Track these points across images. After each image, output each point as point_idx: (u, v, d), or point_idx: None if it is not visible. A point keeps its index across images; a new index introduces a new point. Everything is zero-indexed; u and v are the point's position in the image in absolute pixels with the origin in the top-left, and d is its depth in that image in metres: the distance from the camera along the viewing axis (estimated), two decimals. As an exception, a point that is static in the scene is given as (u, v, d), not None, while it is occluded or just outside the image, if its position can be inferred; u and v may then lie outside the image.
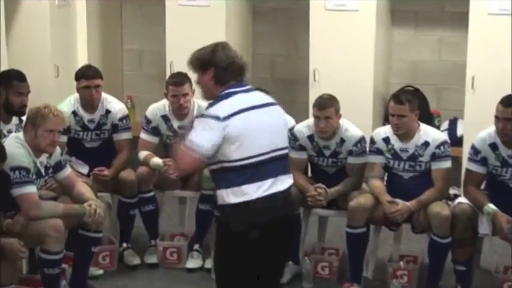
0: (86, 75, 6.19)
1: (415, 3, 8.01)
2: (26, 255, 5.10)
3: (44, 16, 7.35)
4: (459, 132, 7.53)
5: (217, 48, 4.13)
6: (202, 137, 3.99)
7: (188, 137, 4.02)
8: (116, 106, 6.35)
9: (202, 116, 4.10)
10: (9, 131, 5.65)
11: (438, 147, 5.61)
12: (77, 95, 6.25)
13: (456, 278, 5.60)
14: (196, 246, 6.21)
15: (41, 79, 6.68)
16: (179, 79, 6.11)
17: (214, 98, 4.11)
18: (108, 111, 6.29)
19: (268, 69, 8.59)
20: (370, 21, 7.45)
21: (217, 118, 3.97)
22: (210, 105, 4.08)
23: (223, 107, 4.01)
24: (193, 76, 6.08)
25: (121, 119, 6.31)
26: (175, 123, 6.21)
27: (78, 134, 6.24)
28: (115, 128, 6.32)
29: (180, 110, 6.14)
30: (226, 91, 4.08)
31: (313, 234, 6.28)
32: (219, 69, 4.10)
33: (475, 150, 5.51)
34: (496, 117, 5.35)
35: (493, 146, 5.45)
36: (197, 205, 6.20)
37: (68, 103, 6.24)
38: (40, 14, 7.35)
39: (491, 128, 5.46)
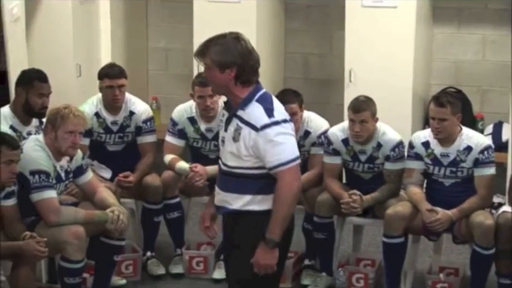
0: (110, 75, 6.21)
1: (458, 0, 7.97)
2: (45, 255, 5.12)
3: (66, 13, 7.40)
4: (504, 136, 7.48)
5: (243, 46, 4.05)
6: (291, 145, 4.02)
7: (279, 157, 3.96)
8: (140, 107, 6.37)
9: (269, 125, 3.98)
10: (29, 133, 5.70)
11: (481, 152, 5.57)
12: (100, 95, 6.28)
13: (500, 292, 5.56)
14: (223, 256, 6.21)
15: (63, 79, 6.72)
16: (206, 79, 6.11)
17: (229, 95, 4.10)
18: (132, 113, 6.31)
19: (301, 69, 8.60)
20: (409, 19, 7.42)
21: (286, 121, 4.03)
22: (266, 111, 4.00)
23: (281, 110, 4.08)
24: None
25: (145, 121, 6.33)
26: (203, 126, 6.22)
27: (100, 136, 6.27)
28: (139, 131, 6.34)
29: (206, 111, 6.14)
30: (262, 92, 4.09)
31: (348, 244, 6.27)
32: (243, 69, 4.04)
33: None
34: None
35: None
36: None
37: (91, 104, 6.27)
38: (62, 11, 7.40)
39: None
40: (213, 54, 4.00)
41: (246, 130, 4.00)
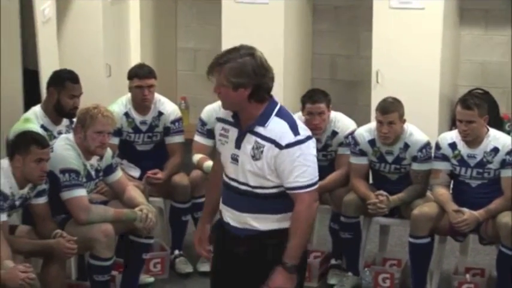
0: (139, 74, 6.23)
1: (485, 1, 7.97)
2: (74, 252, 5.16)
3: (96, 14, 7.44)
4: (531, 138, 7.43)
5: (258, 63, 3.78)
6: (313, 167, 3.84)
7: (300, 180, 3.77)
8: (168, 108, 6.39)
9: (295, 144, 3.76)
10: (60, 132, 5.73)
11: (509, 153, 5.54)
12: (129, 95, 6.31)
13: (527, 293, 5.55)
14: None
15: (93, 78, 6.76)
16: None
17: (242, 112, 3.84)
18: (160, 113, 6.34)
19: (328, 70, 8.60)
20: (437, 20, 7.41)
21: (310, 138, 3.83)
22: (291, 128, 3.78)
23: (303, 125, 3.90)
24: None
25: (173, 122, 6.35)
26: (231, 126, 6.24)
27: (129, 136, 6.30)
28: (167, 131, 6.36)
29: (235, 113, 6.16)
30: (279, 106, 3.87)
31: (374, 244, 6.27)
32: (259, 87, 3.79)
33: None
34: None
35: None
36: (253, 212, 6.22)
37: (120, 104, 6.30)
38: (92, 12, 7.45)
39: None
40: (228, 74, 3.75)
41: (267, 147, 3.77)
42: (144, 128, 6.31)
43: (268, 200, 3.85)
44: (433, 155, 5.77)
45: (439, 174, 5.70)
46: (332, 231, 6.13)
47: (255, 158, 3.79)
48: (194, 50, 9.01)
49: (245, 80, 3.74)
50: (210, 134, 6.28)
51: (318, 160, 6.06)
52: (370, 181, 6.10)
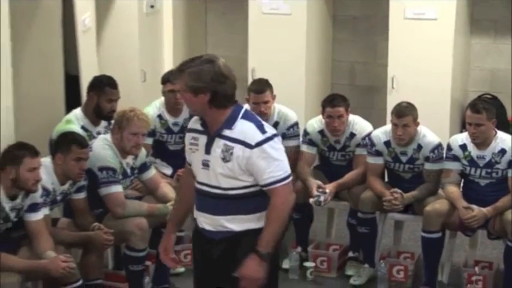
0: (172, 80, 6.25)
1: (495, 12, 7.94)
2: (111, 243, 5.19)
3: (132, 24, 7.47)
4: (537, 140, 7.38)
5: (217, 70, 3.67)
6: (285, 160, 3.73)
7: (275, 174, 3.65)
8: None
9: (264, 142, 3.65)
10: (98, 133, 5.75)
11: (515, 154, 5.53)
12: (162, 99, 6.31)
13: (532, 285, 5.51)
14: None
15: (129, 83, 6.77)
16: (260, 87, 6.13)
17: (207, 117, 3.72)
18: (191, 115, 6.32)
19: (347, 76, 8.59)
20: (449, 30, 7.39)
21: (276, 135, 3.73)
22: (258, 128, 3.67)
23: (269, 125, 3.78)
24: (274, 83, 6.22)
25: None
26: (256, 128, 6.23)
27: (162, 136, 6.31)
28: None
29: (261, 116, 6.13)
30: (244, 109, 3.75)
31: (389, 238, 6.25)
32: (217, 94, 3.66)
33: None
34: None
35: None
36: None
37: (154, 107, 6.31)
38: (129, 22, 7.47)
39: None
40: (186, 79, 3.65)
41: (237, 148, 3.64)
42: (176, 129, 6.32)
43: (241, 201, 3.72)
44: (444, 155, 5.75)
45: (450, 174, 5.68)
46: (350, 226, 6.12)
47: (225, 160, 3.67)
48: (223, 57, 8.91)
49: (203, 85, 3.63)
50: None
51: (337, 160, 6.18)
52: (386, 179, 6.08)
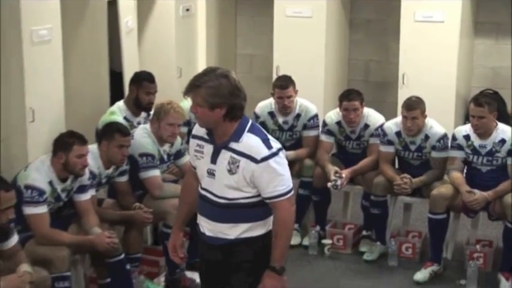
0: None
1: (497, 15, 7.89)
2: (150, 221, 5.23)
3: (170, 25, 7.48)
4: (534, 131, 7.33)
5: (233, 85, 3.43)
6: (288, 175, 3.51)
7: (280, 188, 3.46)
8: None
9: (269, 157, 3.42)
10: (139, 123, 5.79)
11: (514, 144, 5.50)
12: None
13: (528, 262, 5.48)
14: (295, 226, 6.23)
15: (166, 79, 6.79)
16: (284, 82, 6.14)
17: (216, 129, 3.48)
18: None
19: (362, 73, 8.57)
20: (454, 32, 7.34)
21: (281, 149, 3.51)
22: (264, 142, 3.45)
23: (273, 138, 3.55)
24: (296, 79, 6.22)
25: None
26: (280, 119, 6.25)
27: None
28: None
29: (284, 109, 6.18)
30: (250, 123, 3.53)
31: (399, 219, 6.24)
32: (233, 107, 3.43)
33: None
34: None
35: None
36: (297, 190, 6.20)
37: (189, 100, 6.31)
38: (167, 24, 7.48)
39: None
40: (204, 95, 3.40)
41: (243, 161, 3.42)
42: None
43: (242, 210, 3.51)
44: (449, 144, 5.73)
45: (454, 161, 5.66)
46: (363, 207, 6.12)
47: (231, 172, 3.45)
48: (250, 55, 9.03)
49: (221, 101, 3.38)
50: (262, 125, 6.25)
51: (353, 148, 6.18)
52: (396, 166, 6.07)
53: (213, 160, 3.50)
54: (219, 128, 3.46)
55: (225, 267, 3.61)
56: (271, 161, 3.42)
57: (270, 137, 3.52)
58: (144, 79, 5.82)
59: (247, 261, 3.58)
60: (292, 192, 3.53)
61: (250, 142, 3.45)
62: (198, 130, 3.61)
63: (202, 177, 3.59)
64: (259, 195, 3.49)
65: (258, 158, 3.41)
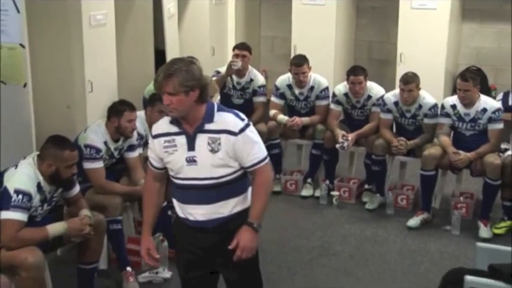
0: (238, 47, 6.33)
1: (481, 3, 7.81)
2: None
3: (204, 11, 7.47)
4: (510, 102, 7.28)
5: (200, 68, 3.08)
6: (262, 142, 3.16)
7: (258, 155, 3.09)
8: (258, 77, 6.36)
9: (245, 127, 3.07)
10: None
11: (493, 112, 5.42)
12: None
13: (503, 211, 5.44)
14: (309, 180, 6.24)
15: (201, 56, 6.65)
16: (299, 61, 6.09)
17: (188, 115, 3.05)
18: (251, 80, 6.34)
19: (366, 52, 8.53)
20: (444, 17, 7.28)
21: (250, 122, 3.15)
22: (236, 116, 3.09)
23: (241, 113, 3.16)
24: (310, 57, 6.17)
25: (259, 87, 6.32)
26: (296, 91, 6.20)
27: (230, 91, 6.34)
28: (255, 92, 6.36)
29: (299, 83, 6.14)
30: (215, 104, 3.15)
31: (395, 175, 6.21)
32: (204, 88, 3.06)
33: None
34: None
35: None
36: (310, 150, 6.21)
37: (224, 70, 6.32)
38: (202, 9, 7.47)
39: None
40: (180, 80, 2.98)
41: (223, 137, 3.03)
42: (238, 87, 6.32)
43: (230, 186, 3.11)
44: (439, 112, 5.67)
45: (443, 127, 5.61)
46: (366, 165, 6.09)
47: (213, 151, 3.05)
48: (272, 37, 8.99)
49: (195, 83, 3.00)
50: (281, 96, 6.27)
51: (357, 116, 6.14)
52: (394, 131, 6.03)
53: (191, 147, 3.07)
54: (190, 113, 3.04)
55: (219, 248, 3.14)
56: (247, 131, 3.07)
57: (237, 111, 3.14)
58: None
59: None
60: (268, 158, 3.15)
61: (225, 118, 3.07)
62: (160, 128, 3.16)
63: (180, 169, 3.10)
64: (241, 169, 3.11)
65: (236, 130, 3.04)
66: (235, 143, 3.04)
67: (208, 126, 3.06)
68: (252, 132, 3.10)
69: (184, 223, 3.17)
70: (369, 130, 5.96)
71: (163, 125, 3.15)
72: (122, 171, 4.90)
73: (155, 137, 3.15)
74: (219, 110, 3.10)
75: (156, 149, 3.16)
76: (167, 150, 3.11)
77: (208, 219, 3.12)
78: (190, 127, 3.07)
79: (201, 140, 3.06)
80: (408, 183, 6.16)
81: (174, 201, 3.21)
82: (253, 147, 3.08)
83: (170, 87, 2.99)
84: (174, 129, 3.10)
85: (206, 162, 3.06)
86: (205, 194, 3.09)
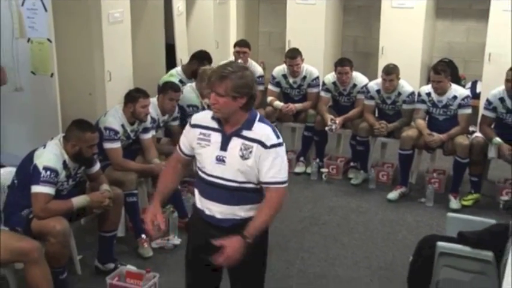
0: (238, 44, 6.26)
1: (452, 2, 7.79)
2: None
3: (209, 9, 7.39)
4: (478, 90, 7.27)
5: (250, 73, 2.82)
6: (287, 167, 2.86)
7: (280, 176, 2.81)
8: (255, 68, 6.29)
9: (278, 145, 2.80)
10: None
11: (463, 99, 5.41)
12: (232, 58, 6.29)
13: (471, 185, 5.45)
14: (301, 158, 6.23)
15: (207, 49, 6.64)
16: (293, 54, 6.05)
17: (230, 117, 2.80)
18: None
19: (352, 46, 8.49)
20: (421, 15, 7.26)
21: (283, 143, 2.86)
22: (273, 132, 2.82)
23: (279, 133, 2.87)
24: (303, 50, 6.12)
25: (258, 77, 6.23)
26: (291, 80, 6.17)
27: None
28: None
29: (293, 73, 6.10)
30: (259, 114, 2.88)
31: (377, 154, 6.20)
32: (251, 98, 2.80)
33: (488, 102, 5.30)
34: (506, 80, 5.13)
35: (501, 100, 5.22)
36: (303, 132, 6.20)
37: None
38: (207, 8, 7.39)
39: (501, 87, 5.22)
40: (232, 85, 2.73)
41: (255, 147, 2.77)
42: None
43: (249, 193, 2.84)
44: (416, 99, 5.65)
45: (419, 112, 5.59)
46: (351, 145, 6.08)
47: (243, 157, 2.78)
48: (269, 32, 8.94)
49: (246, 91, 2.75)
50: (277, 84, 6.23)
51: (344, 102, 6.11)
52: (376, 115, 6.00)
53: (223, 147, 2.80)
54: (233, 116, 2.79)
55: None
56: (278, 149, 2.79)
57: (276, 129, 2.86)
58: (205, 59, 5.71)
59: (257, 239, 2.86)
60: (286, 184, 2.85)
61: (262, 130, 2.80)
62: (201, 120, 2.89)
63: (208, 164, 2.84)
64: (257, 183, 2.83)
65: (268, 144, 2.77)
66: (262, 155, 2.77)
67: (245, 133, 2.80)
68: (282, 152, 2.80)
69: (200, 214, 2.92)
70: (354, 115, 5.94)
71: (204, 117, 2.88)
72: (137, 150, 4.88)
73: (193, 126, 2.89)
74: (260, 120, 2.83)
75: (190, 137, 2.91)
76: (200, 142, 2.86)
77: (223, 218, 2.85)
78: (229, 128, 2.82)
79: (235, 143, 2.80)
80: (388, 161, 6.15)
81: (196, 191, 2.96)
82: (276, 167, 2.78)
83: (222, 89, 2.73)
84: (213, 124, 2.84)
85: (234, 165, 2.79)
86: (226, 195, 2.83)
